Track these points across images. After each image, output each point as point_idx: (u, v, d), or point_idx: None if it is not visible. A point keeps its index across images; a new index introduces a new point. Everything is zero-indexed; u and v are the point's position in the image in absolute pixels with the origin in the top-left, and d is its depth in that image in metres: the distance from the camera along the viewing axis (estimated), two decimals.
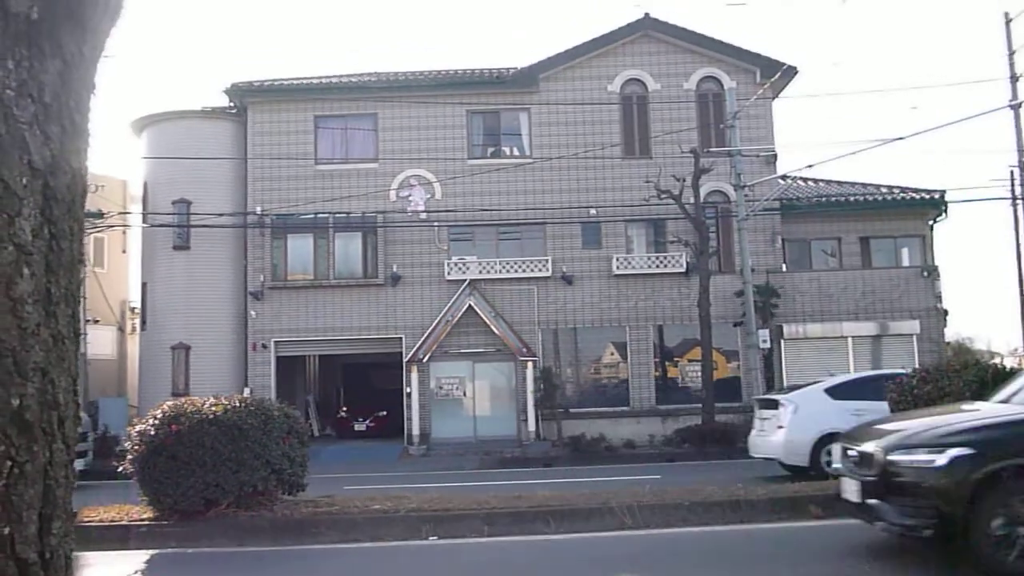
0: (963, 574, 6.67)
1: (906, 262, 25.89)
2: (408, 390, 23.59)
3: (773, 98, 24.95)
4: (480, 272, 24.04)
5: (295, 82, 25.75)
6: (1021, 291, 26.90)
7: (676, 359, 24.65)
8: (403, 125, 24.93)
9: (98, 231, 25.85)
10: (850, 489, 7.44)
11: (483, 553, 8.49)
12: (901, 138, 25.47)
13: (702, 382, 22.35)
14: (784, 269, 24.89)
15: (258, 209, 24.48)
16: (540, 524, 9.18)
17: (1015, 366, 14.96)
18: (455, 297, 23.84)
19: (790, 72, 24.15)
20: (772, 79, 23.51)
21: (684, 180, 21.99)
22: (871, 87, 65.84)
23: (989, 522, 6.31)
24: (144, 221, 25.63)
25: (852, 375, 16.89)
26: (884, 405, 11.61)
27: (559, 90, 24.99)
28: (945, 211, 26.10)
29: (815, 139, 74.70)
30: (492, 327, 23.64)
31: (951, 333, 26.46)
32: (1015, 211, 27.07)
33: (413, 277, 24.33)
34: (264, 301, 24.33)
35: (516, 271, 24.10)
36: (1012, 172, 25.61)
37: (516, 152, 25.30)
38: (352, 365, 30.23)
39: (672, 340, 24.68)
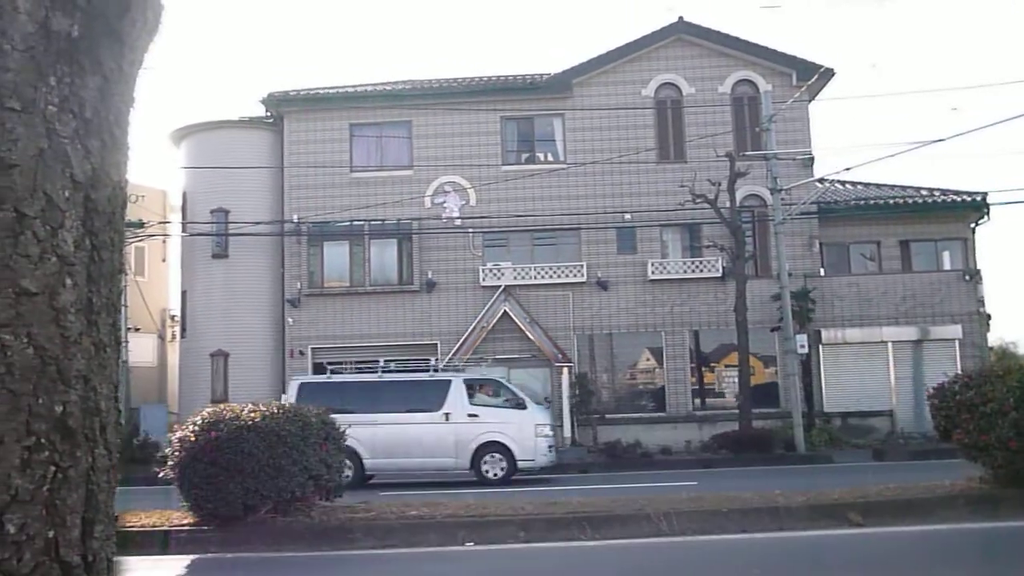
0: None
1: (947, 265, 25.46)
2: None
3: (810, 101, 24.70)
4: (515, 278, 24.06)
5: (330, 91, 26.02)
6: None
7: (713, 364, 24.48)
8: (437, 132, 25.06)
9: (139, 240, 26.26)
10: None
11: (518, 559, 8.49)
12: (941, 140, 25.15)
13: (739, 388, 22.16)
14: (822, 273, 24.62)
15: (295, 217, 24.73)
16: (575, 530, 9.15)
17: None
18: (490, 303, 23.88)
19: (827, 74, 23.90)
20: (809, 82, 23.27)
21: (720, 184, 21.85)
22: (910, 88, 64.96)
23: None
24: (183, 230, 26.02)
25: None
26: None
27: (593, 95, 24.97)
28: (987, 213, 25.63)
29: (853, 142, 73.85)
30: (527, 333, 23.64)
31: (994, 338, 26.00)
32: None
33: (448, 283, 24.41)
34: (301, 308, 24.56)
35: (551, 277, 24.09)
36: None
37: (550, 158, 25.31)
38: None
39: (708, 345, 24.51)
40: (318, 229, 24.66)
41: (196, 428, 9.61)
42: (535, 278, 24.06)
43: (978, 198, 25.41)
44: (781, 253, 21.74)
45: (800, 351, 21.87)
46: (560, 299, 24.12)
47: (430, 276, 24.42)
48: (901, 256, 25.77)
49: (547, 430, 17.44)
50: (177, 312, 28.05)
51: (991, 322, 24.47)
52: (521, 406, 17.52)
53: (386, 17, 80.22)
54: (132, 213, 15.40)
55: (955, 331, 23.47)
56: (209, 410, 10.06)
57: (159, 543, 9.29)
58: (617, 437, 22.06)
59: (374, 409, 16.77)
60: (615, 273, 24.24)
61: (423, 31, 79.44)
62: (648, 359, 24.53)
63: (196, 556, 8.96)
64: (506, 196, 24.46)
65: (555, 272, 24.12)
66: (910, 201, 25.66)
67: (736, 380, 22.50)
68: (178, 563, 8.63)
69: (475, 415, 17.11)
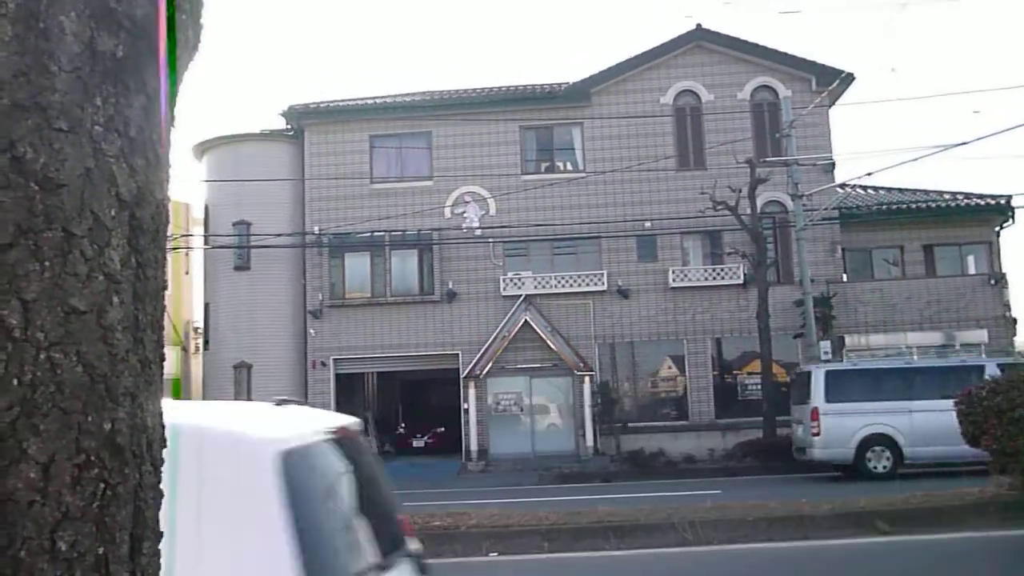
0: None
1: (972, 270, 25.22)
2: (466, 406, 23.67)
3: (830, 106, 24.58)
4: (535, 287, 24.06)
5: (350, 103, 26.17)
6: None
7: (735, 372, 24.35)
8: (457, 142, 25.14)
9: None
10: None
11: (543, 570, 8.47)
12: (964, 143, 24.68)
13: (762, 395, 22.03)
14: (844, 279, 24.45)
15: (316, 229, 24.87)
16: (600, 540, 9.12)
17: None
18: (511, 312, 23.89)
19: (847, 79, 23.78)
20: (829, 87, 23.15)
21: (740, 191, 21.77)
22: (931, 92, 64.51)
23: None
24: (206, 243, 26.21)
25: None
26: None
27: (611, 104, 24.97)
28: (1012, 217, 25.38)
29: (874, 146, 73.40)
30: (548, 342, 23.62)
31: (1021, 342, 25.64)
32: None
33: (469, 293, 24.45)
34: (323, 319, 24.67)
35: (572, 285, 24.07)
36: None
37: (570, 167, 25.32)
38: (410, 382, 30.43)
39: (731, 353, 24.38)
40: (339, 240, 24.77)
41: None
42: (556, 287, 24.06)
43: (1002, 201, 25.18)
44: (803, 259, 21.61)
45: (824, 357, 21.70)
46: (581, 308, 24.10)
47: (451, 286, 24.46)
48: (925, 261, 25.55)
49: None
50: (200, 324, 28.25)
51: (1017, 326, 24.22)
52: None
53: (405, 29, 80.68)
54: None
55: (981, 336, 23.18)
56: None
57: None
58: (640, 446, 21.98)
59: (907, 396, 16.95)
60: (636, 281, 24.19)
61: (441, 42, 79.81)
62: (670, 367, 24.44)
63: None
64: (526, 205, 24.48)
65: (576, 281, 24.10)
66: (933, 205, 25.45)
67: (759, 387, 22.37)
68: None
69: None
